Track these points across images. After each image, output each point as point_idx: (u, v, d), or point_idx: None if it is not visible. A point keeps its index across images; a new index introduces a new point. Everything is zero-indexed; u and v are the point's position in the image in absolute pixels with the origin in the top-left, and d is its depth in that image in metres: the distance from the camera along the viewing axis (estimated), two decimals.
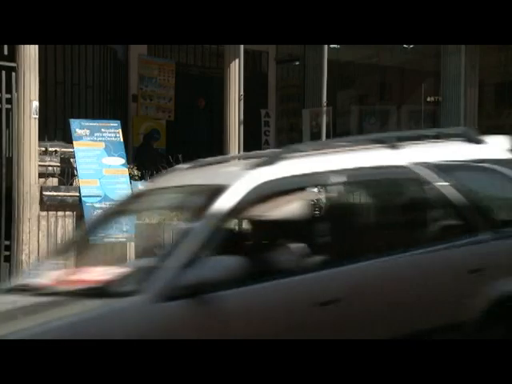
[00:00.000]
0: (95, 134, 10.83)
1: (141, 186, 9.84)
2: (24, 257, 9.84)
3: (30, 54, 9.81)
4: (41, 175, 10.38)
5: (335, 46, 14.20)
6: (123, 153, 10.93)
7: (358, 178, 5.11)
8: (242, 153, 5.62)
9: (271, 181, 4.66)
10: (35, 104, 9.94)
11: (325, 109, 12.41)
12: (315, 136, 12.99)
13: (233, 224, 5.25)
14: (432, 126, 15.50)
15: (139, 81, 14.06)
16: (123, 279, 4.36)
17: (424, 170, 5.07)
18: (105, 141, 10.86)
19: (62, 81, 12.66)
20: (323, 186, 5.06)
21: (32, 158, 9.94)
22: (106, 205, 9.86)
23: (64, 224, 10.33)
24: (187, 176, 5.37)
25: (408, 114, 16.98)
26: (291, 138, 14.91)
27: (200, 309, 4.15)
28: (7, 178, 9.97)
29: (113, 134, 10.98)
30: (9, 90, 9.98)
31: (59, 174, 10.82)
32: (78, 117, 11.72)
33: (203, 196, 4.67)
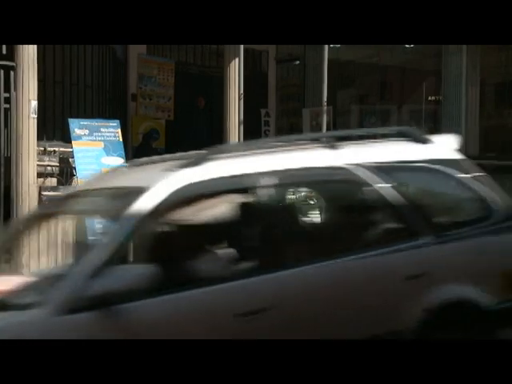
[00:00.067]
0: (94, 134, 10.79)
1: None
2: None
3: (29, 53, 9.75)
4: (39, 175, 10.33)
5: (335, 45, 14.16)
6: (122, 152, 10.89)
7: (292, 180, 4.85)
8: (178, 153, 5.28)
9: (196, 183, 4.38)
10: (34, 103, 9.89)
11: (325, 108, 12.37)
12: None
13: (153, 229, 4.87)
14: (433, 125, 15.48)
15: (138, 80, 14.02)
16: (25, 290, 4.10)
17: (364, 171, 4.81)
18: (104, 140, 10.82)
19: (60, 80, 12.60)
20: (253, 188, 4.70)
21: (31, 157, 9.89)
22: None
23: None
24: (117, 177, 5.10)
25: (408, 113, 16.97)
26: None
27: (107, 322, 3.86)
28: (6, 178, 9.94)
29: (112, 134, 10.95)
30: (7, 89, 9.94)
31: (58, 174, 10.79)
32: (77, 116, 11.68)
33: (121, 199, 4.36)
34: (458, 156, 5.24)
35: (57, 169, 10.89)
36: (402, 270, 4.65)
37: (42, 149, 11.07)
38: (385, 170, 4.87)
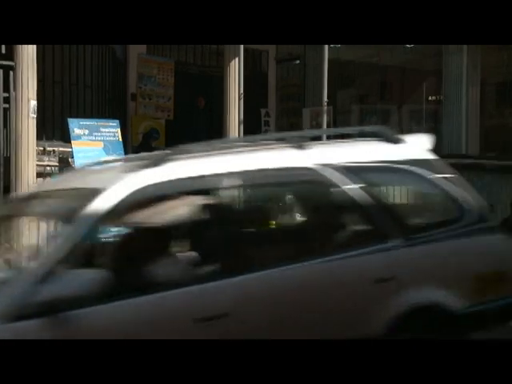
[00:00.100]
0: (94, 134, 10.79)
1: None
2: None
3: (28, 52, 9.75)
4: (39, 175, 10.31)
5: (335, 45, 14.15)
6: (122, 152, 10.89)
7: (255, 181, 4.63)
8: (142, 153, 5.12)
9: (154, 184, 4.20)
10: (33, 103, 9.88)
11: (325, 108, 12.35)
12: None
13: (108, 231, 4.71)
14: (434, 125, 15.47)
15: (138, 80, 14.01)
16: None
17: (331, 171, 4.63)
18: (103, 140, 10.82)
19: (60, 80, 12.60)
20: (214, 189, 4.56)
21: (30, 157, 9.88)
22: None
23: None
24: (78, 178, 4.94)
25: (409, 113, 16.96)
26: None
27: (55, 329, 3.68)
28: (5, 178, 9.93)
29: (111, 134, 10.95)
30: (7, 89, 9.93)
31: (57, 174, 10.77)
32: (77, 116, 11.68)
33: (77, 200, 4.17)
34: (430, 156, 5.06)
35: (56, 169, 10.88)
36: (371, 273, 4.51)
37: (42, 149, 11.06)
38: (354, 170, 4.69)
